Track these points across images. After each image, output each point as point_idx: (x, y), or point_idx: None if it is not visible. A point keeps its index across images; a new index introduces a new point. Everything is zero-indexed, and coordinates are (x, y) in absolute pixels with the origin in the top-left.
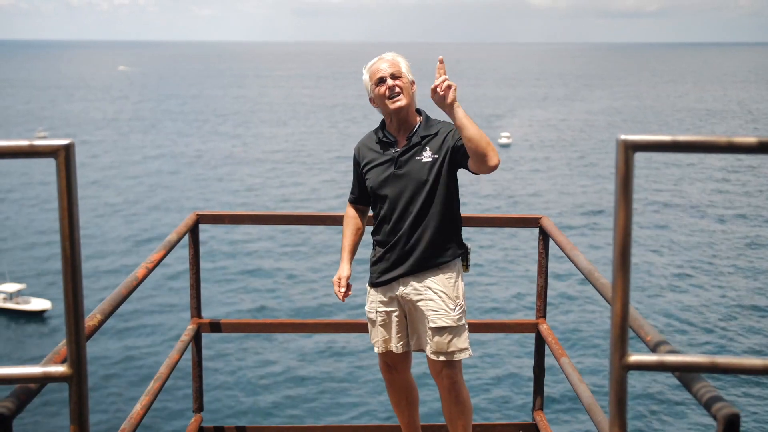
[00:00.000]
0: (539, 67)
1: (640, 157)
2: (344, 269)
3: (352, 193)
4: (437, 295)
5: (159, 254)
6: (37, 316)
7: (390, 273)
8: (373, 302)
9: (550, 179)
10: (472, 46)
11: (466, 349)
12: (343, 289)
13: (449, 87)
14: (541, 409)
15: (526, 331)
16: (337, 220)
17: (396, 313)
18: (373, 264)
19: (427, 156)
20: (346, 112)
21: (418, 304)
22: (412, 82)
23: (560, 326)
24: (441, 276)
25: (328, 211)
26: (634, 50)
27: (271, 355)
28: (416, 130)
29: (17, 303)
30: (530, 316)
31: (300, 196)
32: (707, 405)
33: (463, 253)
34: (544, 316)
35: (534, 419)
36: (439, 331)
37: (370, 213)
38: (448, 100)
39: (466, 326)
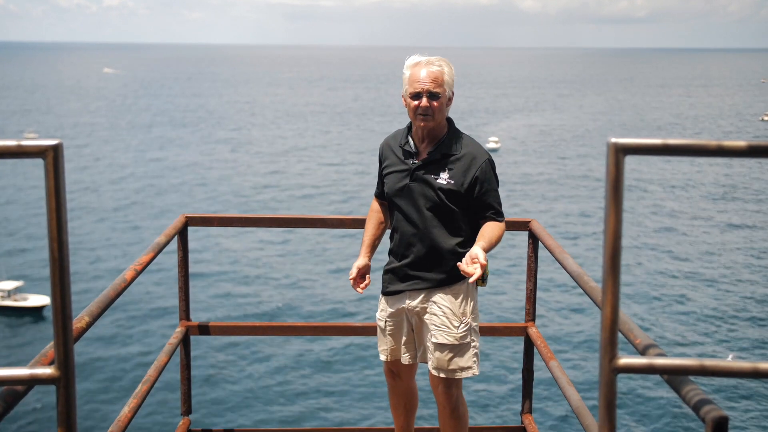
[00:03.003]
0: (529, 72)
1: (630, 161)
2: (360, 260)
3: (377, 187)
4: (441, 311)
5: (147, 256)
6: (36, 312)
7: (398, 285)
8: (383, 311)
9: (538, 183)
10: (463, 50)
11: (469, 368)
12: (361, 281)
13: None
14: (530, 412)
15: (515, 334)
16: (327, 223)
17: (404, 324)
18: (385, 273)
19: (443, 178)
20: (339, 116)
21: (424, 318)
22: (450, 98)
23: (549, 330)
24: (449, 292)
25: (318, 215)
26: (624, 55)
27: (259, 358)
28: (440, 145)
29: (15, 300)
30: (519, 320)
31: (291, 200)
32: (696, 408)
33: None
34: (533, 320)
35: (523, 422)
36: (441, 347)
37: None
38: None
39: (473, 344)
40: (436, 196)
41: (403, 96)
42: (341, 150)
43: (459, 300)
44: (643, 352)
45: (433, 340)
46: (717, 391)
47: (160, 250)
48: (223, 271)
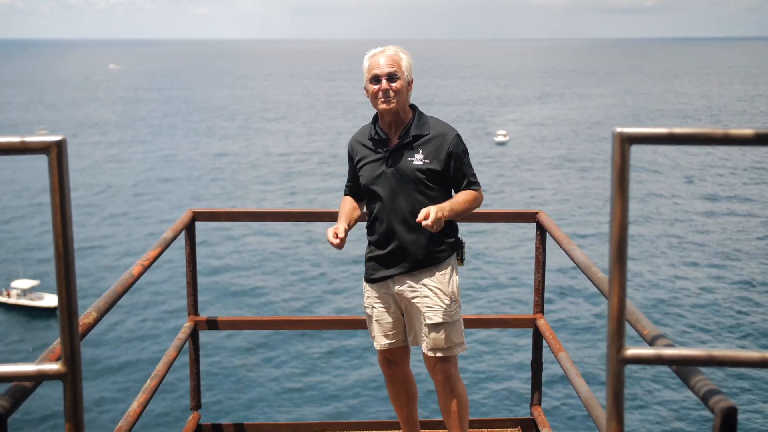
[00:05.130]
0: (536, 63)
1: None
2: (342, 224)
3: (347, 185)
4: (432, 292)
5: (155, 252)
6: (50, 312)
7: (384, 271)
8: (369, 298)
9: (546, 175)
10: (470, 42)
11: (461, 343)
12: (337, 240)
13: (432, 221)
14: (539, 403)
15: (523, 326)
16: (334, 217)
17: (392, 310)
18: (368, 261)
19: (418, 158)
20: (345, 110)
21: (414, 301)
22: (410, 83)
23: (558, 321)
24: (436, 272)
25: (325, 208)
26: (632, 46)
27: (268, 352)
28: (408, 129)
29: (31, 299)
30: (528, 312)
31: (297, 195)
32: (704, 398)
33: (458, 248)
34: (542, 311)
35: (532, 414)
36: (436, 327)
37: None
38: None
39: (461, 320)
40: (414, 178)
41: (364, 87)
42: (346, 143)
43: (446, 278)
44: (651, 342)
45: (428, 321)
46: (726, 381)
47: (167, 245)
48: (231, 265)
